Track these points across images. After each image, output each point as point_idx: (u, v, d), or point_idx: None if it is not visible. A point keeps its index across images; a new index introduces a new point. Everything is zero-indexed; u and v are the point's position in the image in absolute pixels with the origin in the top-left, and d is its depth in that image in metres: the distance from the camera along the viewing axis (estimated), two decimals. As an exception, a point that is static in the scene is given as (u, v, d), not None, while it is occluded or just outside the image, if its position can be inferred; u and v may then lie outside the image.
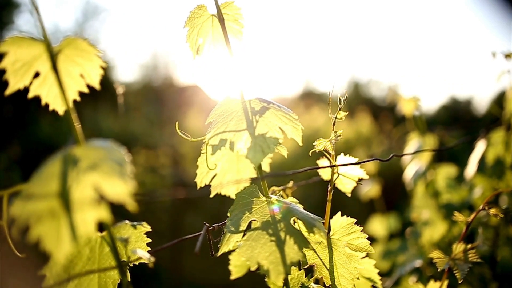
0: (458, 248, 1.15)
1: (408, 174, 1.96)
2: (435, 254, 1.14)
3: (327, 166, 0.96)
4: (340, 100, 0.97)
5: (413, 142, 1.94)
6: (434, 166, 1.90)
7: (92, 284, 0.82)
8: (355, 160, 1.02)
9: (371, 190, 2.27)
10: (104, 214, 0.60)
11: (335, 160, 1.01)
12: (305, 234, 0.88)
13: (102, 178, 0.60)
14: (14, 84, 0.73)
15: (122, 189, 0.60)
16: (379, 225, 2.29)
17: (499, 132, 1.80)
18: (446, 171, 1.90)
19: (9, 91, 0.73)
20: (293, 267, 1.03)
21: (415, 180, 1.90)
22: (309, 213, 0.91)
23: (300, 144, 0.87)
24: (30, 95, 0.76)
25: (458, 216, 1.19)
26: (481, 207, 1.17)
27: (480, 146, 1.86)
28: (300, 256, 0.82)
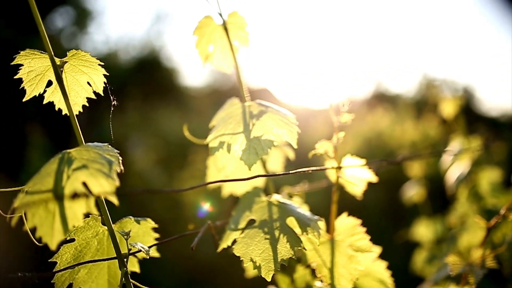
0: (477, 253, 1.12)
1: (451, 177, 1.90)
2: (451, 259, 1.12)
3: (325, 168, 0.98)
4: (342, 106, 0.99)
5: (455, 144, 1.89)
6: (478, 170, 1.83)
7: (102, 273, 0.90)
8: (361, 162, 1.03)
9: (416, 194, 2.22)
10: (92, 208, 0.68)
11: (340, 162, 1.02)
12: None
13: (88, 177, 0.67)
14: (30, 92, 0.83)
15: (106, 187, 0.67)
16: (426, 229, 2.24)
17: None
18: (491, 175, 1.83)
19: (26, 98, 0.83)
20: (299, 266, 1.07)
21: (458, 184, 1.84)
22: (307, 213, 0.94)
23: (295, 146, 0.90)
24: (45, 101, 0.85)
25: (479, 221, 1.16)
26: (502, 211, 1.14)
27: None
28: (291, 254, 0.85)
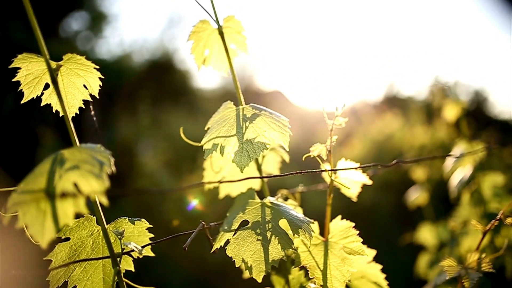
0: (472, 257, 1.12)
1: (453, 181, 1.90)
2: (447, 262, 1.12)
3: (319, 171, 0.99)
4: (338, 111, 1.00)
5: (458, 148, 1.88)
6: (480, 174, 1.83)
7: (97, 272, 0.91)
8: (356, 165, 1.04)
9: (419, 198, 2.21)
10: (82, 207, 0.69)
11: (334, 165, 1.03)
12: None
13: (79, 177, 0.69)
14: (28, 95, 0.85)
15: (95, 187, 0.68)
16: (429, 233, 2.23)
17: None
18: (493, 179, 1.82)
19: (24, 100, 0.85)
20: (294, 267, 1.07)
21: (459, 188, 1.84)
22: (299, 215, 0.95)
23: (287, 149, 0.91)
24: (42, 103, 0.87)
25: (476, 225, 1.16)
26: (498, 216, 1.13)
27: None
28: (281, 255, 0.86)
